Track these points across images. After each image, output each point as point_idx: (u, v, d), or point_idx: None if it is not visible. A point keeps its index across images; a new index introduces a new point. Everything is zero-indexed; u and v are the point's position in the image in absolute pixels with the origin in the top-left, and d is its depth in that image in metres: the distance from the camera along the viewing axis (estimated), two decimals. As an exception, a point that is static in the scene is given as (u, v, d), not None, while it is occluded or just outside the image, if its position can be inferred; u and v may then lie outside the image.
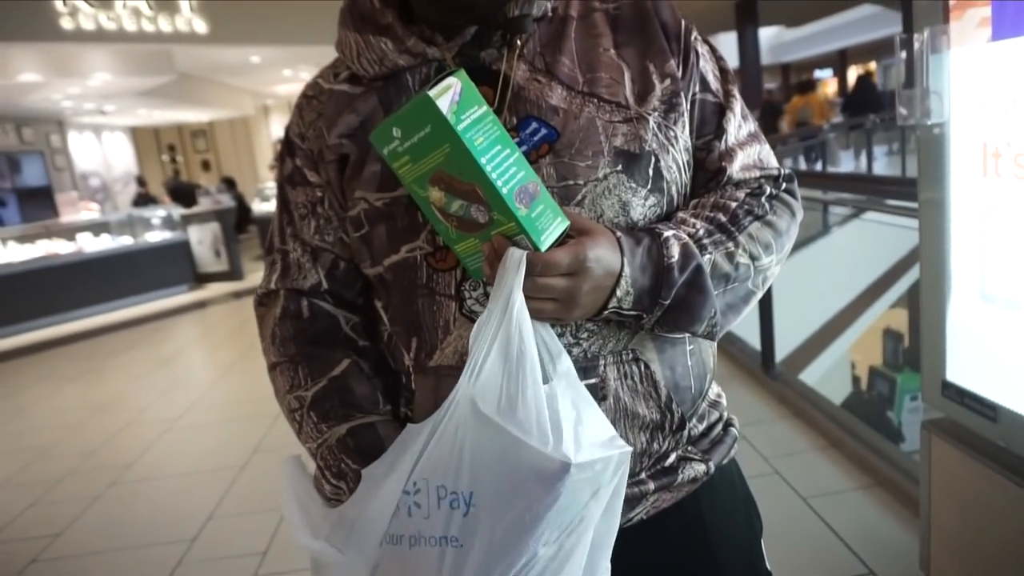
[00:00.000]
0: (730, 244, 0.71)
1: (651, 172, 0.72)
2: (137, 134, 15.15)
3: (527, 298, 0.63)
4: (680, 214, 0.73)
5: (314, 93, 0.81)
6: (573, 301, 0.64)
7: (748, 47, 15.01)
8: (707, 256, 0.70)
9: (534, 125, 0.70)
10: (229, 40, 8.29)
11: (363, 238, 0.75)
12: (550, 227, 0.63)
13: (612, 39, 0.75)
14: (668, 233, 0.68)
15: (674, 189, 0.74)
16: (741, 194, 0.75)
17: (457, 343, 0.72)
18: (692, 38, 0.77)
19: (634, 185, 0.71)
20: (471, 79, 0.70)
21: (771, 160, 0.80)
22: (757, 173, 0.77)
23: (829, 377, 4.74)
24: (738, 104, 0.78)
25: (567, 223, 0.65)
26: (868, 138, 8.89)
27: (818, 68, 30.84)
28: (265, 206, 10.74)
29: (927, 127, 1.43)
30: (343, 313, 0.81)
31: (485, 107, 0.63)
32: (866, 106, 9.68)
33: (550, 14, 0.75)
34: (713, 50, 0.79)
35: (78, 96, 9.79)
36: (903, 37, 1.42)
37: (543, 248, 0.62)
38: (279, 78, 12.74)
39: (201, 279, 8.52)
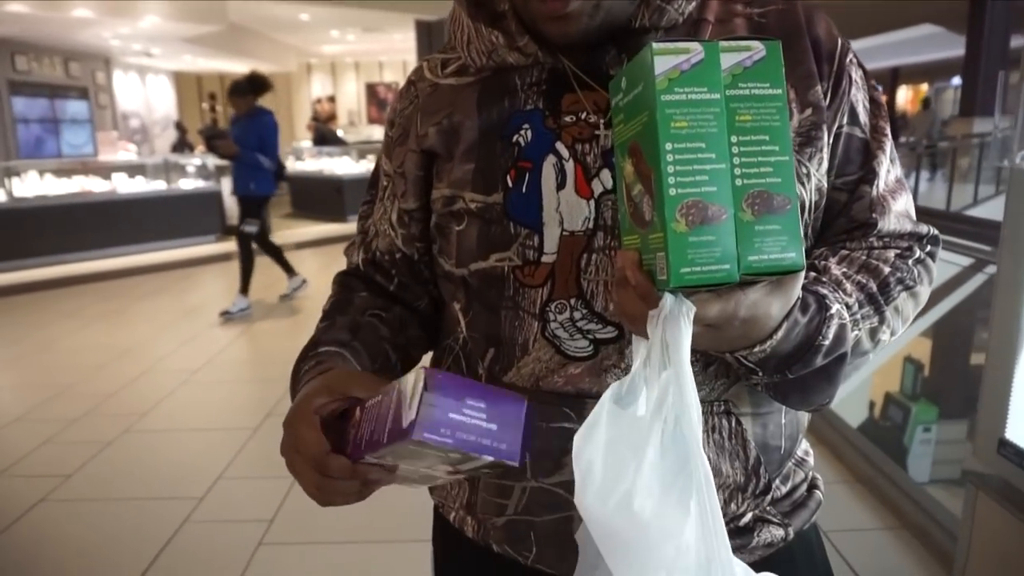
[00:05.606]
0: (876, 319, 0.64)
1: None
2: (180, 79, 15.20)
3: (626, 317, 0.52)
4: (833, 270, 0.65)
5: (416, 79, 0.76)
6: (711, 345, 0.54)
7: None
8: (854, 333, 0.62)
9: None
10: (282, -5, 8.26)
11: (456, 234, 0.70)
12: (708, 263, 0.45)
13: None
14: (833, 309, 0.59)
15: None
16: (891, 255, 0.67)
17: (535, 366, 0.67)
18: (847, 60, 0.68)
19: None
20: (580, 85, 0.64)
21: (913, 211, 0.72)
22: (908, 228, 0.70)
23: (850, 400, 4.65)
24: (889, 143, 0.69)
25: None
26: (919, 161, 8.66)
27: (869, 83, 30.22)
28: (300, 165, 10.73)
29: (1022, 170, 1.34)
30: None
31: (721, 97, 0.46)
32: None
33: (682, 19, 0.65)
34: (867, 76, 0.70)
35: (127, 36, 9.81)
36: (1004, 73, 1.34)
37: (671, 284, 0.45)
38: (326, 38, 12.69)
39: (229, 231, 8.53)
